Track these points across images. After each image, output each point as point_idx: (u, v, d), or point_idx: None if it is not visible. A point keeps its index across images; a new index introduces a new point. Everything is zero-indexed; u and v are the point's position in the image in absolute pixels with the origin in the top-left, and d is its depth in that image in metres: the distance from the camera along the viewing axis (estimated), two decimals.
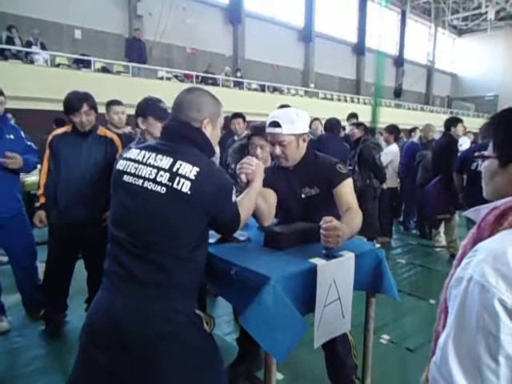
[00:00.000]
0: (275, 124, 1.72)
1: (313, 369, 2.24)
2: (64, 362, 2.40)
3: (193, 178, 1.20)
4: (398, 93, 21.84)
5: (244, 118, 4.32)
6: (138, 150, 1.33)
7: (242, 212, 1.41)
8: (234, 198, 1.36)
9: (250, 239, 1.73)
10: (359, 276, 1.55)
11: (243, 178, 1.56)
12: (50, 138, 2.62)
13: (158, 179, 1.22)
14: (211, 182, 1.24)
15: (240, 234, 1.70)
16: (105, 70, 10.11)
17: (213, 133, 1.39)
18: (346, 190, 1.75)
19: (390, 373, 2.33)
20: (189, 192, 1.19)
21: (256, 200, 1.58)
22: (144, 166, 1.26)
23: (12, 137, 2.66)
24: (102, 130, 2.68)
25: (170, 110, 1.42)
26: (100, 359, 1.22)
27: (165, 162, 1.25)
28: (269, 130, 1.76)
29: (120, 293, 1.23)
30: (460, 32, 27.86)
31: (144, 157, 1.29)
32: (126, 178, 1.29)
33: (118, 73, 10.34)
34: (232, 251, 1.56)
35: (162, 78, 11.06)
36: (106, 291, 1.27)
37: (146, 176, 1.24)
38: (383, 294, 1.68)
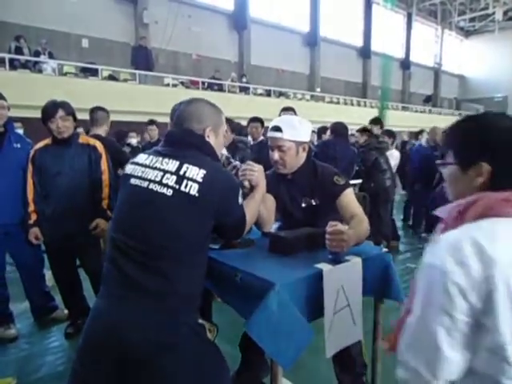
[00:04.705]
0: (276, 128, 1.74)
1: (322, 375, 2.21)
2: None
3: (200, 180, 1.21)
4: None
5: (262, 123, 4.25)
6: (146, 155, 1.34)
7: (248, 215, 1.40)
8: (240, 199, 1.35)
9: (253, 241, 1.72)
10: (366, 281, 1.51)
11: (247, 184, 1.56)
12: (31, 152, 2.62)
13: (164, 181, 1.22)
14: (219, 184, 1.25)
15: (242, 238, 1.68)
16: (112, 77, 10.21)
17: (216, 141, 1.40)
18: (348, 199, 1.75)
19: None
20: (197, 194, 1.19)
21: (260, 204, 1.57)
22: (150, 170, 1.27)
23: (19, 145, 2.68)
24: (83, 138, 2.69)
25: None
26: (100, 373, 1.17)
27: (171, 165, 1.25)
28: (270, 133, 1.78)
29: (119, 301, 1.19)
30: (467, 33, 27.67)
31: (151, 161, 1.30)
32: (132, 180, 1.29)
33: (125, 80, 10.43)
34: (237, 256, 1.54)
35: (168, 85, 11.14)
36: (105, 299, 1.23)
37: (152, 178, 1.24)
38: (391, 299, 1.65)
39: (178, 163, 1.24)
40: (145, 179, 1.26)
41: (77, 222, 2.54)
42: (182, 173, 1.22)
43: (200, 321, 1.26)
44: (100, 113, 3.36)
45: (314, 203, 1.81)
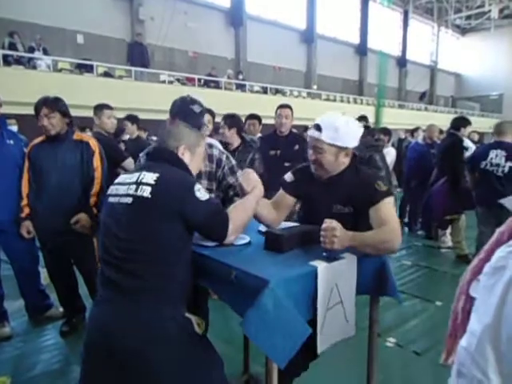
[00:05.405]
0: (317, 127, 1.61)
1: (318, 374, 2.21)
2: (67, 367, 2.39)
3: (153, 182, 1.29)
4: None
5: (260, 120, 4.13)
6: (127, 174, 1.44)
7: (233, 214, 1.43)
8: (200, 196, 1.33)
9: (250, 242, 1.70)
10: (362, 279, 1.51)
11: (245, 187, 1.56)
12: (28, 148, 2.61)
13: (128, 192, 1.32)
14: (169, 183, 1.31)
15: (240, 237, 1.67)
16: (107, 74, 10.15)
17: (192, 159, 1.49)
18: (385, 208, 1.55)
19: (396, 376, 2.28)
20: (149, 196, 1.27)
21: (256, 206, 1.57)
22: (121, 186, 1.38)
23: (12, 142, 2.66)
24: (77, 135, 2.66)
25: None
26: (99, 373, 1.25)
27: (133, 177, 1.35)
28: (309, 131, 1.66)
29: (108, 304, 1.28)
30: (463, 31, 27.74)
31: (125, 178, 1.39)
32: (109, 199, 1.40)
33: (121, 77, 10.38)
34: (232, 254, 1.53)
35: (164, 82, 11.09)
36: (99, 303, 1.33)
37: (121, 193, 1.35)
38: (387, 296, 1.65)
39: (138, 173, 1.35)
40: (116, 195, 1.37)
41: (67, 220, 2.50)
42: (139, 180, 1.32)
43: (187, 315, 1.32)
44: (100, 110, 3.34)
45: (346, 211, 1.64)
